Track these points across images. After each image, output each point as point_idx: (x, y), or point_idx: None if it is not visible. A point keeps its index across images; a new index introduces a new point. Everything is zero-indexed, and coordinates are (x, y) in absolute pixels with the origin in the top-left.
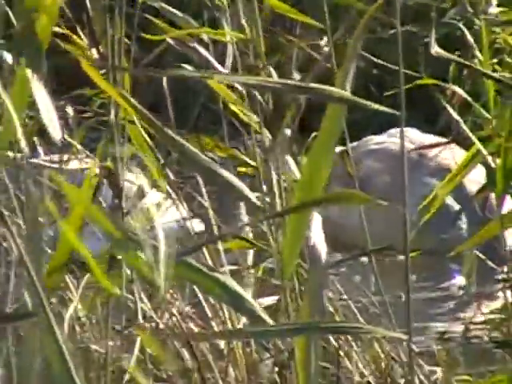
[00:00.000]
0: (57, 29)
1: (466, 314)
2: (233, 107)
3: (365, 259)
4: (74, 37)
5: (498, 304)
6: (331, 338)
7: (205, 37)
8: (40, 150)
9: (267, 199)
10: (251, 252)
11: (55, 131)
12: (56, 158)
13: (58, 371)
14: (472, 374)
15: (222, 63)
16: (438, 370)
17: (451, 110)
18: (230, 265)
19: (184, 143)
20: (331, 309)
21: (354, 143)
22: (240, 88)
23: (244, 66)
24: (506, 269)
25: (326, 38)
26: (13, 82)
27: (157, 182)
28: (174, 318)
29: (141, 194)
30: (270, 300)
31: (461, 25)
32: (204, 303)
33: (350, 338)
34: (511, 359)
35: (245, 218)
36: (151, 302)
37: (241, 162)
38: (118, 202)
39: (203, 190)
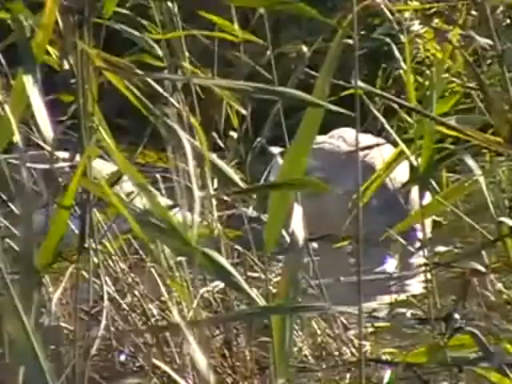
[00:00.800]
0: None
1: (394, 294)
2: None
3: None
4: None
5: (420, 286)
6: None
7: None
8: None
9: None
10: None
11: (47, 130)
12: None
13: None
14: (397, 347)
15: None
16: (368, 343)
17: (378, 114)
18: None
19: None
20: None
21: None
22: None
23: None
24: (426, 253)
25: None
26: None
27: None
28: (136, 299)
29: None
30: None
31: (388, 40)
32: (162, 286)
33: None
34: (430, 334)
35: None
36: (115, 285)
37: None
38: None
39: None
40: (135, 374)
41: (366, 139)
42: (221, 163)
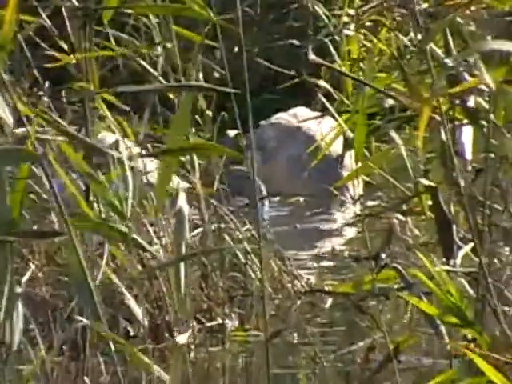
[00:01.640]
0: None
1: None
2: None
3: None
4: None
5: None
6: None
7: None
8: None
9: None
10: None
11: (8, 118)
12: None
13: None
14: (338, 279)
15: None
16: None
17: (321, 96)
18: None
19: None
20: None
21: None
22: None
23: None
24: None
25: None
26: None
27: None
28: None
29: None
30: None
31: (327, 40)
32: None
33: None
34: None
35: None
36: None
37: None
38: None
39: None
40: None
41: (313, 115)
42: None
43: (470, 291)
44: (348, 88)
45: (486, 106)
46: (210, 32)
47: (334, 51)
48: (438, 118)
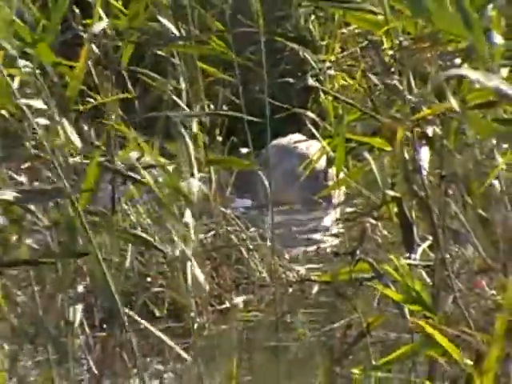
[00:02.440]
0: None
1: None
2: None
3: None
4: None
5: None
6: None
7: None
8: None
9: None
10: None
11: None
12: None
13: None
14: (322, 271)
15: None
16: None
17: (309, 124)
18: None
19: None
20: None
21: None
22: None
23: None
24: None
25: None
26: None
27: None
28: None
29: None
30: None
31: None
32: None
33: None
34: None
35: None
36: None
37: None
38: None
39: None
40: None
41: (301, 139)
42: None
43: (428, 280)
44: (330, 118)
45: (439, 132)
46: (227, 64)
47: (321, 87)
48: (402, 140)
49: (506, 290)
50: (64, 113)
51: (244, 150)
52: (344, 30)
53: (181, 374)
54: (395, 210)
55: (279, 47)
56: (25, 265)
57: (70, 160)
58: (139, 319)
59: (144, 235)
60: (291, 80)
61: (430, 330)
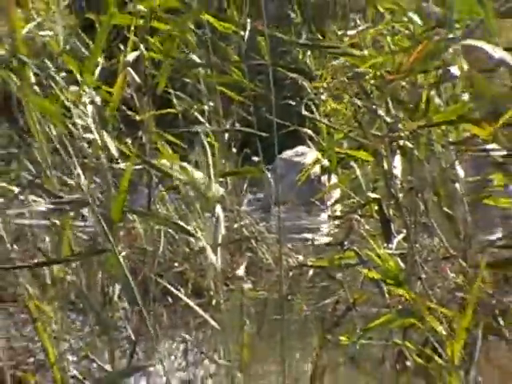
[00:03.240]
0: None
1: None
2: None
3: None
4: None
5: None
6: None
7: None
8: None
9: None
10: None
11: (115, 152)
12: None
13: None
14: (317, 258)
15: None
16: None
17: (307, 139)
18: None
19: None
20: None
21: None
22: None
23: None
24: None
25: None
26: None
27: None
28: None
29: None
30: None
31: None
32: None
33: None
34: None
35: None
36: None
37: None
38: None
39: None
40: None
41: (305, 150)
42: None
43: (402, 264)
44: (323, 134)
45: (411, 145)
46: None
47: (315, 109)
48: (381, 152)
49: (465, 274)
50: (104, 128)
51: (256, 159)
52: (334, 63)
53: (202, 341)
54: (376, 208)
55: (282, 76)
56: (75, 259)
57: (108, 165)
58: (175, 290)
59: (181, 222)
60: (292, 103)
61: (411, 298)
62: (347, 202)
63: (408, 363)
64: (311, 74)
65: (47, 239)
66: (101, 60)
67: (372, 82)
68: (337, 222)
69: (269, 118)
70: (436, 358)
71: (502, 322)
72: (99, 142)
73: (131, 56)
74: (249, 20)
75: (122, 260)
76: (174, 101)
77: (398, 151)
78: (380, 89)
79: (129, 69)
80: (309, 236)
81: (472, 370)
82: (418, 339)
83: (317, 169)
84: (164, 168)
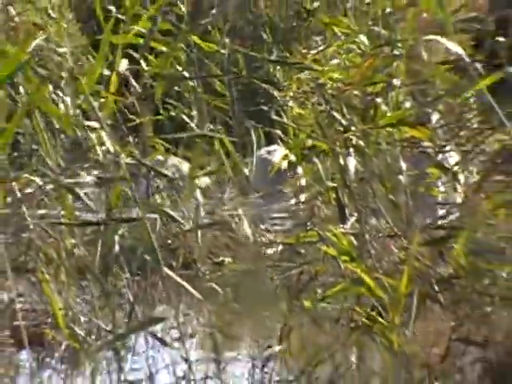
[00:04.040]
0: None
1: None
2: None
3: None
4: None
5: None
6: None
7: None
8: None
9: None
10: None
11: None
12: None
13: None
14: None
15: None
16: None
17: (278, 139)
18: None
19: None
20: None
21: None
22: None
23: None
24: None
25: None
26: None
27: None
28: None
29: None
30: None
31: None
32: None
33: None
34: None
35: None
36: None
37: None
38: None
39: None
40: None
41: (276, 148)
42: None
43: (354, 242)
44: (290, 135)
45: (362, 143)
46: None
47: (283, 114)
48: (338, 149)
49: (406, 250)
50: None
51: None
52: (299, 76)
53: (191, 306)
54: (333, 196)
55: (257, 87)
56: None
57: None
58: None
59: (170, 212)
60: (265, 108)
61: (361, 270)
62: (310, 191)
63: (359, 323)
64: (280, 84)
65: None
66: (103, 71)
67: (330, 91)
68: (301, 207)
69: (246, 122)
70: (380, 319)
71: (437, 289)
72: (104, 142)
73: (122, 66)
74: (228, 41)
75: (148, 229)
76: (169, 107)
77: (352, 148)
78: (337, 97)
79: (132, 80)
80: (282, 218)
81: (409, 329)
82: (366, 304)
83: (285, 163)
84: (155, 165)
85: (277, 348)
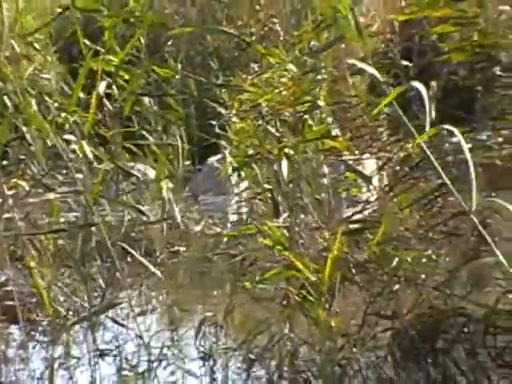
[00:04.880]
0: None
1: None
2: None
3: None
4: None
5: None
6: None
7: None
8: None
9: None
10: None
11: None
12: None
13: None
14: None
15: None
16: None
17: (223, 149)
18: None
19: None
20: None
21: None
22: None
23: None
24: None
25: None
26: None
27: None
28: None
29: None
30: None
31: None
32: None
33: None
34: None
35: None
36: None
37: None
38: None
39: None
40: None
41: (223, 156)
42: None
43: (286, 234)
44: (234, 145)
45: (292, 152)
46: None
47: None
48: (272, 157)
49: (329, 240)
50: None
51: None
52: (241, 96)
53: (151, 287)
54: (269, 195)
55: (208, 105)
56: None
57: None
58: (133, 251)
59: (138, 206)
60: (213, 123)
61: (293, 257)
62: (251, 191)
63: (291, 301)
64: (225, 103)
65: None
66: (81, 94)
67: (266, 109)
68: (243, 205)
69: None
70: (309, 297)
71: (354, 272)
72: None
73: (100, 88)
74: (180, 66)
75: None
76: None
77: (284, 156)
78: (271, 114)
79: (105, 101)
80: (227, 215)
81: (332, 305)
82: (297, 284)
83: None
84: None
85: (223, 321)
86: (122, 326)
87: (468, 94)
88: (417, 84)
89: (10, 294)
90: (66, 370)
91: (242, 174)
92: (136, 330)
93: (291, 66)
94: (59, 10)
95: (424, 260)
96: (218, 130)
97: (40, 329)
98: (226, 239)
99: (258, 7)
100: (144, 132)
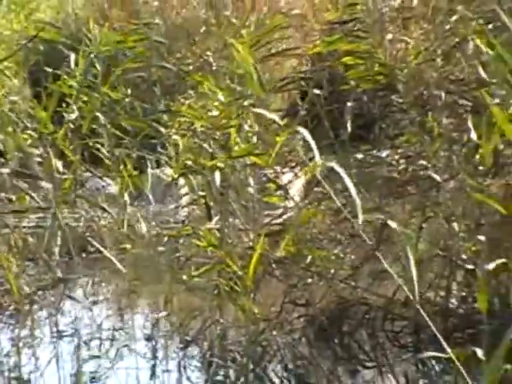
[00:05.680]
0: None
1: None
2: None
3: None
4: None
5: None
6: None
7: None
8: None
9: None
10: None
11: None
12: None
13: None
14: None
15: None
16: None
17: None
18: None
19: None
20: None
21: None
22: None
23: None
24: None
25: None
26: None
27: None
28: None
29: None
30: None
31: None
32: None
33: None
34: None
35: None
36: None
37: None
38: None
39: None
40: None
41: (166, 169)
42: None
43: (218, 235)
44: (174, 159)
45: (223, 165)
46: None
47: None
48: (206, 170)
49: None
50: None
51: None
52: (180, 119)
53: (103, 279)
54: (203, 201)
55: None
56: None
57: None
58: (98, 245)
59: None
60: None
61: (223, 254)
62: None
63: (221, 291)
64: (167, 124)
65: None
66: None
67: (201, 129)
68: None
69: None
70: (236, 287)
71: (274, 267)
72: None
73: (70, 117)
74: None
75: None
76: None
77: (216, 169)
78: (207, 134)
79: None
80: (168, 218)
81: (256, 295)
82: (227, 277)
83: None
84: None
85: (164, 308)
86: (77, 301)
87: (370, 118)
88: (302, 129)
89: None
90: (30, 349)
91: (182, 183)
92: (90, 314)
93: (220, 97)
94: (24, 42)
95: (333, 257)
96: (158, 148)
97: (7, 313)
98: (166, 239)
99: (192, 41)
100: (99, 146)
